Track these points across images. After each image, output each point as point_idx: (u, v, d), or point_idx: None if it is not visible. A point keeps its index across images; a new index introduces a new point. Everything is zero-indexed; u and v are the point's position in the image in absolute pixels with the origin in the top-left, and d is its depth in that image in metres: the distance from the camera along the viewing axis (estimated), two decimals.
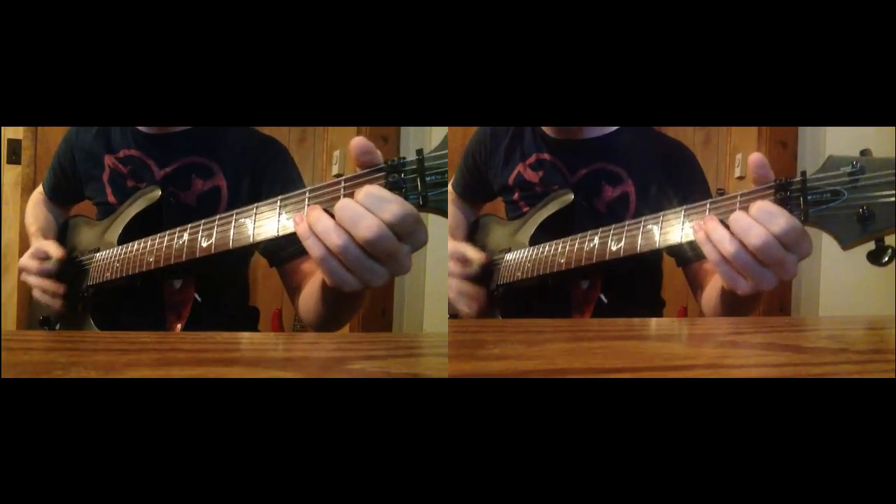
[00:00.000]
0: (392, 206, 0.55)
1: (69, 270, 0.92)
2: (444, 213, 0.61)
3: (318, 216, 0.57)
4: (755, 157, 0.65)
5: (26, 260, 0.93)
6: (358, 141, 0.59)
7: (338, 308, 0.80)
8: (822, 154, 1.81)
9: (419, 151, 0.60)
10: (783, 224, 0.60)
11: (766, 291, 0.65)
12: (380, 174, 0.60)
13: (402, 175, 0.60)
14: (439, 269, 1.88)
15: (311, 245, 0.58)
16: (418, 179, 0.60)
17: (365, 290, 0.60)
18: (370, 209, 0.55)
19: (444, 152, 0.60)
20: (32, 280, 0.92)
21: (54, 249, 0.91)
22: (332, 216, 0.57)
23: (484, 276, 0.98)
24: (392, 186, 0.60)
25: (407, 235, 0.56)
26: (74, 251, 0.94)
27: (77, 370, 0.39)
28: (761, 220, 0.61)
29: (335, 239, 0.56)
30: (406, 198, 0.59)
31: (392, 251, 0.56)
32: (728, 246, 0.62)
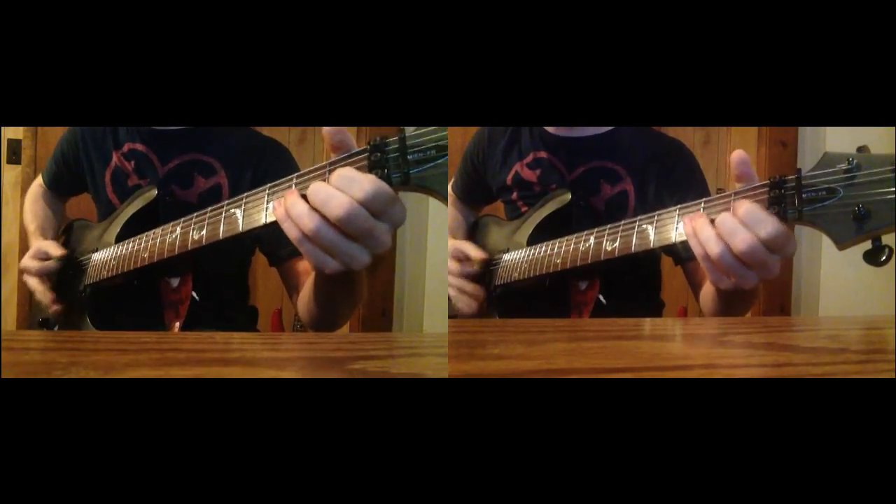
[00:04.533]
0: (363, 183, 0.56)
1: (69, 271, 0.92)
2: (432, 192, 0.59)
3: (293, 201, 0.58)
4: (737, 154, 0.66)
5: (27, 261, 0.93)
6: (328, 129, 0.59)
7: (332, 302, 0.79)
8: (822, 154, 1.80)
9: (401, 130, 0.59)
10: (770, 229, 0.61)
11: (754, 288, 0.66)
12: (363, 154, 0.60)
13: (385, 154, 0.59)
14: (439, 270, 1.88)
15: (287, 228, 0.59)
16: (400, 158, 0.59)
17: (350, 273, 0.60)
18: (341, 189, 0.56)
19: (431, 129, 0.58)
20: (32, 281, 0.92)
21: (54, 249, 0.91)
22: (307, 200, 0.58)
23: (484, 275, 0.97)
24: (374, 166, 0.59)
25: (381, 213, 0.56)
26: (75, 253, 0.94)
27: (77, 370, 0.39)
28: (748, 224, 0.62)
29: (307, 222, 0.57)
30: (389, 176, 0.58)
31: (367, 228, 0.56)
32: (714, 247, 0.64)
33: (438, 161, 0.58)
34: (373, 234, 0.57)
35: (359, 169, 0.58)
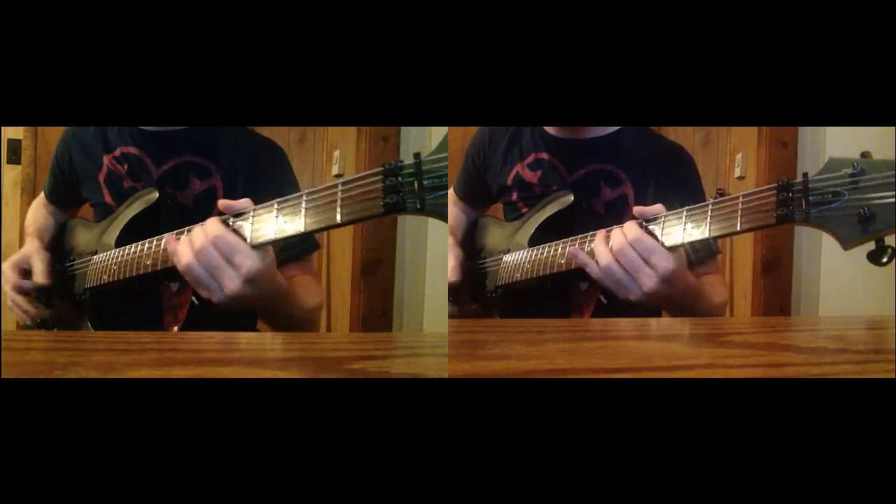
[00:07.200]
0: (215, 229, 0.69)
1: (67, 272, 0.91)
2: (443, 218, 0.61)
3: (183, 240, 0.71)
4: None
5: (8, 268, 0.93)
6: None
7: (272, 319, 0.90)
8: (822, 154, 1.80)
9: (416, 155, 0.60)
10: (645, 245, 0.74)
11: (641, 300, 0.76)
12: (377, 177, 0.60)
13: (399, 179, 0.60)
14: (439, 270, 1.88)
15: (175, 261, 0.72)
16: (415, 183, 0.60)
17: (226, 303, 0.70)
18: (203, 230, 0.70)
19: (443, 155, 0.60)
20: (7, 291, 0.92)
21: (39, 271, 0.91)
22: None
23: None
24: (388, 190, 0.59)
25: (229, 258, 0.68)
26: (72, 253, 0.94)
27: (77, 370, 0.39)
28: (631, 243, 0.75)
29: (181, 258, 0.70)
30: (404, 202, 0.60)
31: (215, 265, 0.69)
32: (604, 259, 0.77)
33: (447, 188, 0.60)
34: (217, 274, 0.69)
35: (372, 191, 0.61)
